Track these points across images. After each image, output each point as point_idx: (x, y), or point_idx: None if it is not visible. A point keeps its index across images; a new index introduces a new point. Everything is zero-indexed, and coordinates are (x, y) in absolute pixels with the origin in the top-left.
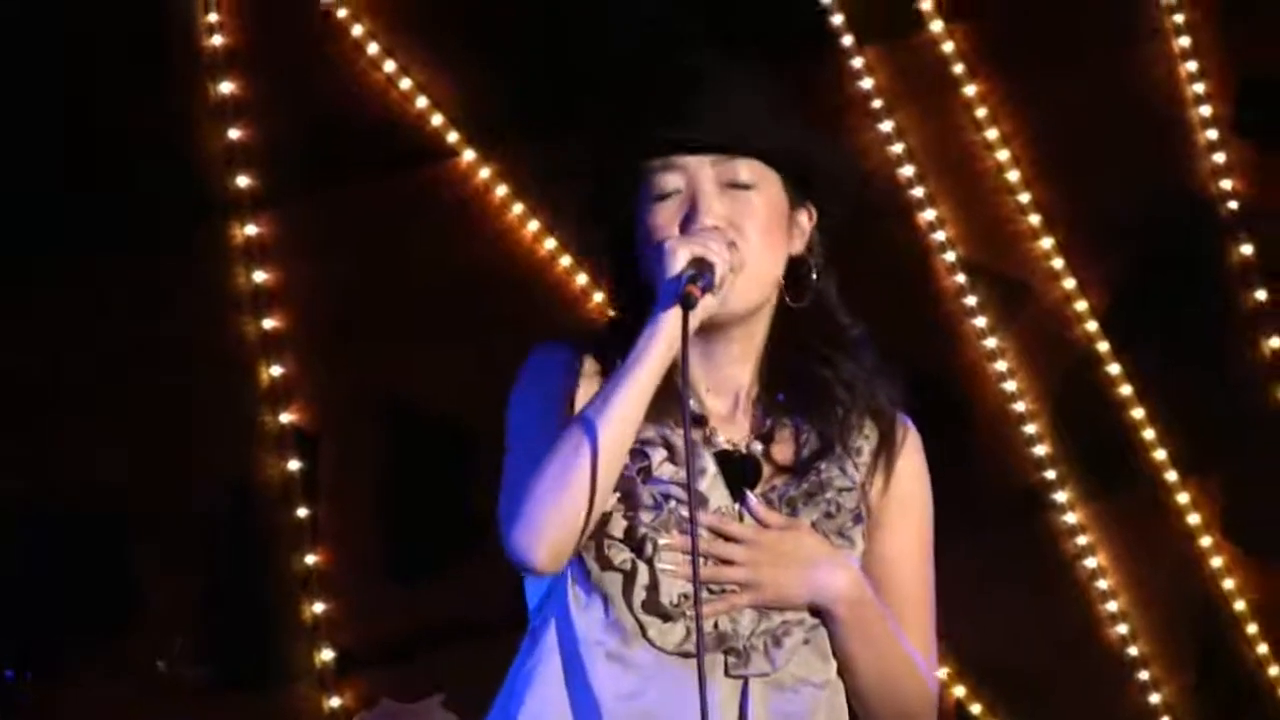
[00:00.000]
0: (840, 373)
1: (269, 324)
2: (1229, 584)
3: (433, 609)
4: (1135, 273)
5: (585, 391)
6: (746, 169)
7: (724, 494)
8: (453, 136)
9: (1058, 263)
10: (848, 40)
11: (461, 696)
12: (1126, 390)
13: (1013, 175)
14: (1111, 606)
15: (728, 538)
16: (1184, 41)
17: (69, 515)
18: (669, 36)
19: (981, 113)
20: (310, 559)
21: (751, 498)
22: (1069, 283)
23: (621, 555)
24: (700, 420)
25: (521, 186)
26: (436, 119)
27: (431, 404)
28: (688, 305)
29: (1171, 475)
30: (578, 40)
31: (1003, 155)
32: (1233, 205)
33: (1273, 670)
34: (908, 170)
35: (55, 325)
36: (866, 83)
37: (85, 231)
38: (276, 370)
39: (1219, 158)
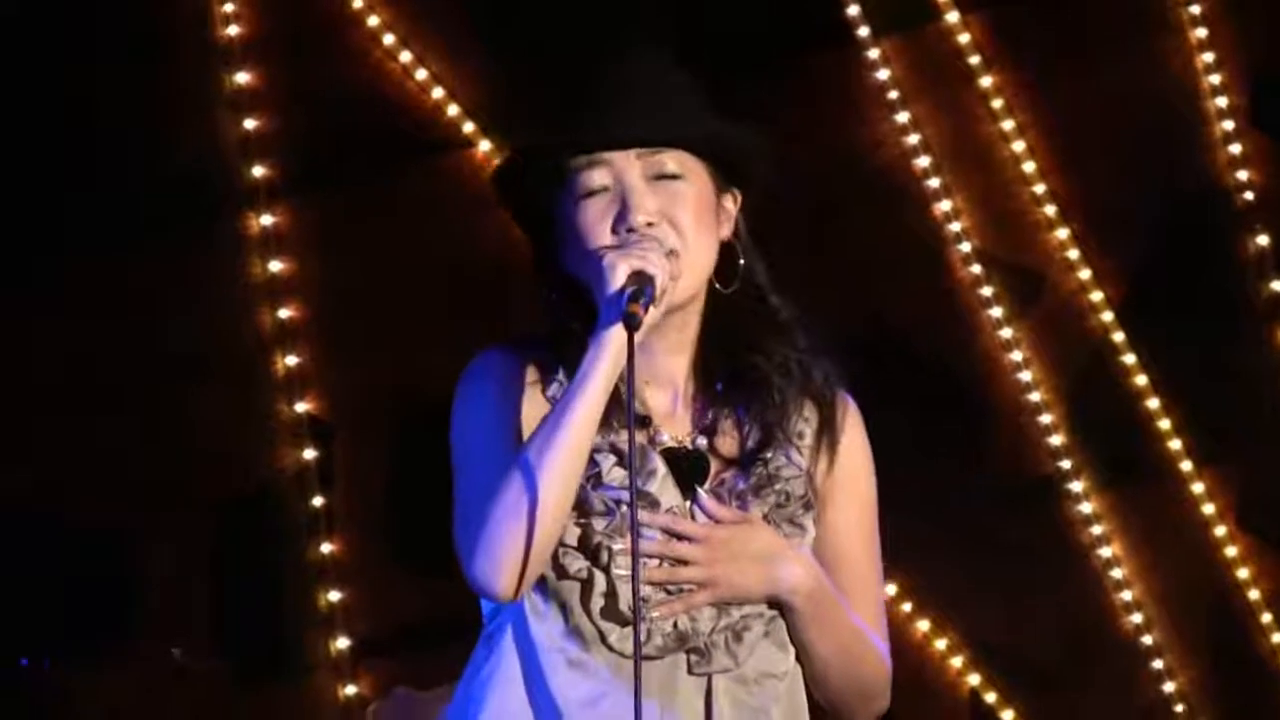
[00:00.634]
0: (773, 358)
1: (285, 314)
2: (1243, 574)
3: (448, 597)
4: (1151, 263)
5: (529, 402)
6: (673, 159)
7: (674, 493)
8: (469, 126)
9: (1073, 253)
10: (864, 31)
11: None
12: (1141, 380)
13: (1028, 166)
14: (1126, 596)
15: (681, 537)
16: (1200, 33)
17: (85, 506)
18: (608, 38)
19: (997, 103)
20: (326, 548)
21: (702, 495)
22: (1084, 273)
23: (577, 564)
24: (643, 421)
25: None
26: (453, 109)
27: (447, 393)
28: (632, 326)
29: (1186, 465)
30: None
31: (1019, 146)
32: (1248, 196)
33: None
34: (924, 161)
35: (73, 317)
36: (882, 73)
37: (100, 223)
38: (292, 360)
39: (1235, 149)
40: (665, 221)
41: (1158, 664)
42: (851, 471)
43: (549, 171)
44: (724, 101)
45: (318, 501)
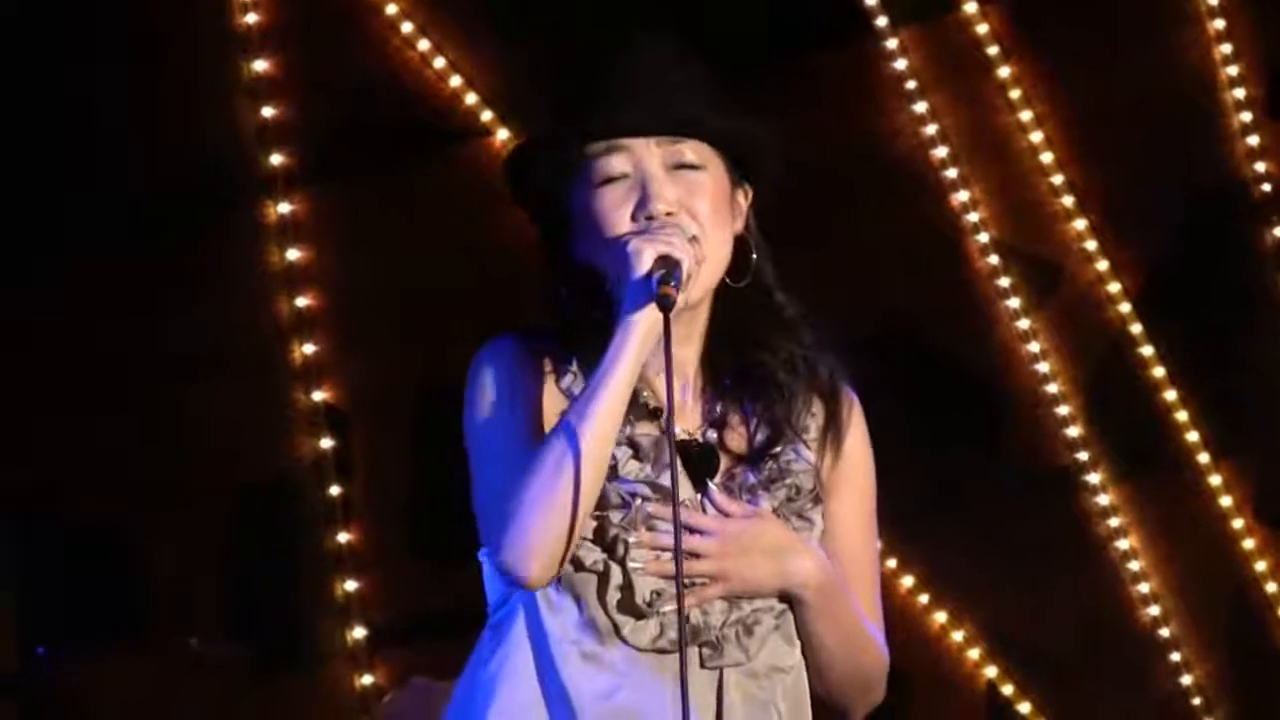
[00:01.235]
0: (779, 354)
1: (302, 302)
2: (1261, 566)
3: (464, 587)
4: (1169, 255)
5: (548, 392)
6: (692, 150)
7: (687, 486)
8: (487, 115)
9: (1091, 245)
10: (882, 21)
11: None
12: (1159, 372)
13: (1046, 157)
14: (1143, 588)
15: (693, 530)
16: (1218, 24)
17: (100, 498)
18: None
19: (1015, 94)
20: (342, 537)
21: (713, 488)
22: (1102, 265)
23: (593, 556)
24: (655, 413)
25: None
26: (470, 98)
27: (464, 382)
28: (666, 307)
29: (1204, 457)
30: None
31: (1036, 137)
32: (1266, 188)
33: None
34: (941, 152)
35: (89, 305)
36: (900, 64)
37: (116, 212)
38: (309, 349)
39: (1253, 140)
40: (684, 211)
41: (1175, 656)
42: (854, 466)
43: (566, 159)
44: (740, 95)
45: (334, 491)
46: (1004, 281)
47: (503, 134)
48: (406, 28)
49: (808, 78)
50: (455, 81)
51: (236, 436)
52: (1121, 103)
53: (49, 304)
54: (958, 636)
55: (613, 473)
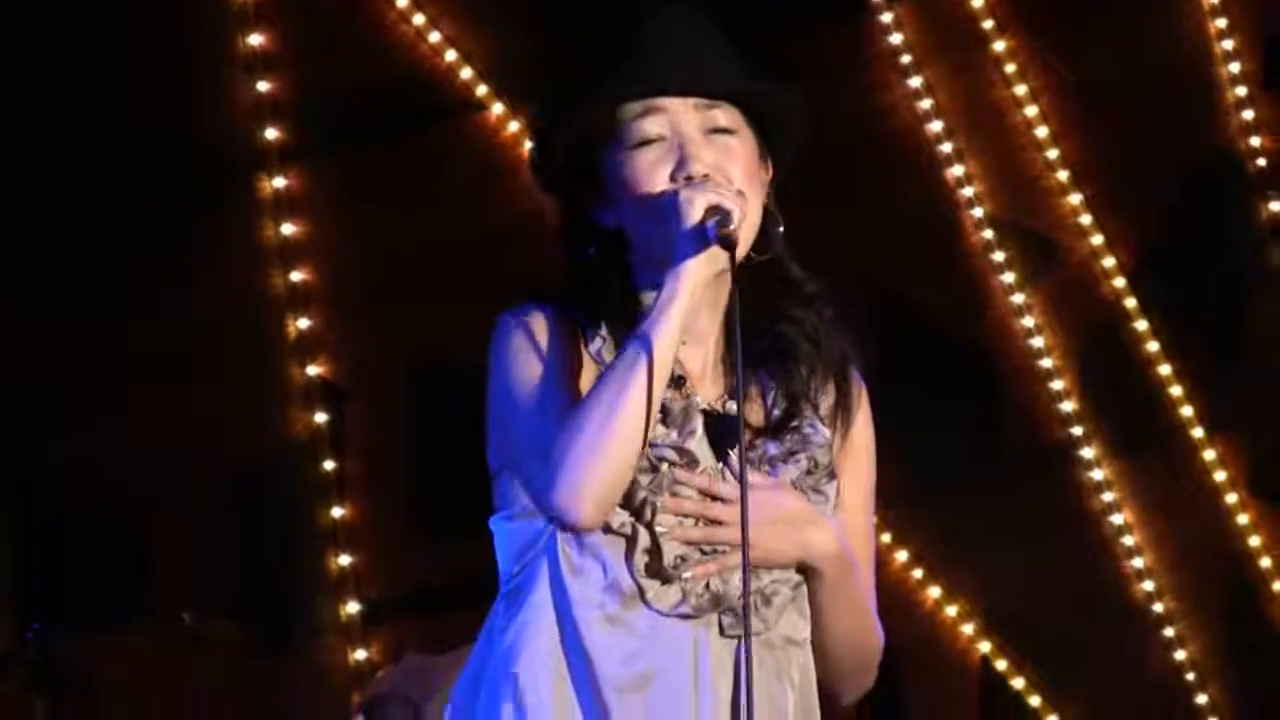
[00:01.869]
0: (804, 327)
1: (297, 277)
2: (1255, 541)
3: (459, 561)
4: (1163, 229)
5: (578, 355)
6: (726, 115)
7: (709, 454)
8: (482, 90)
9: (1085, 219)
10: None
11: None
12: (1153, 346)
13: (1041, 131)
14: (1137, 563)
15: (716, 498)
16: None
17: (97, 471)
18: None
19: (1010, 68)
20: (337, 511)
21: (734, 458)
22: (1096, 239)
23: (620, 519)
24: (679, 381)
25: None
26: (466, 72)
27: (459, 356)
28: (729, 246)
29: (1198, 432)
30: None
31: (1031, 111)
32: (1261, 162)
33: None
34: (936, 126)
35: (85, 283)
36: (895, 38)
37: (112, 187)
38: (304, 323)
39: (1247, 114)
40: (720, 174)
41: (1169, 632)
42: (859, 448)
43: (599, 123)
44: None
45: (329, 465)
46: (998, 255)
47: (498, 108)
48: (402, 2)
49: (801, 51)
50: (451, 55)
51: (231, 411)
52: (1116, 77)
53: (45, 291)
54: (951, 612)
55: None
